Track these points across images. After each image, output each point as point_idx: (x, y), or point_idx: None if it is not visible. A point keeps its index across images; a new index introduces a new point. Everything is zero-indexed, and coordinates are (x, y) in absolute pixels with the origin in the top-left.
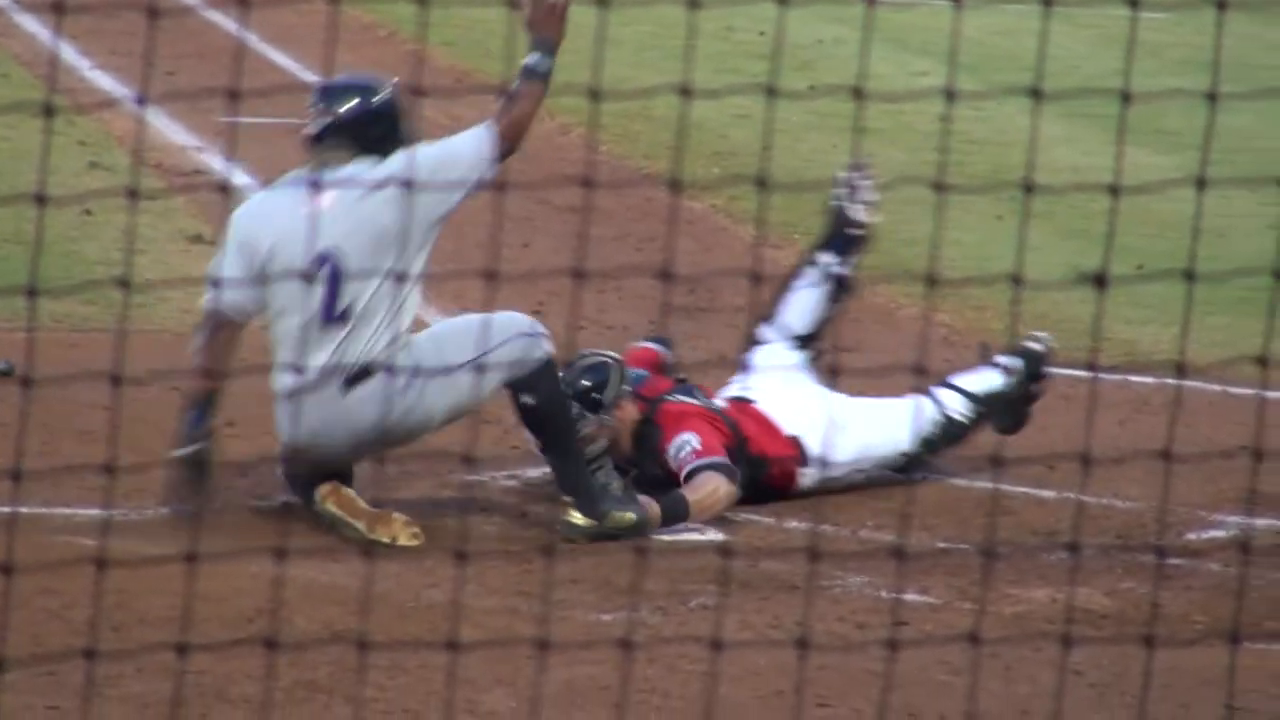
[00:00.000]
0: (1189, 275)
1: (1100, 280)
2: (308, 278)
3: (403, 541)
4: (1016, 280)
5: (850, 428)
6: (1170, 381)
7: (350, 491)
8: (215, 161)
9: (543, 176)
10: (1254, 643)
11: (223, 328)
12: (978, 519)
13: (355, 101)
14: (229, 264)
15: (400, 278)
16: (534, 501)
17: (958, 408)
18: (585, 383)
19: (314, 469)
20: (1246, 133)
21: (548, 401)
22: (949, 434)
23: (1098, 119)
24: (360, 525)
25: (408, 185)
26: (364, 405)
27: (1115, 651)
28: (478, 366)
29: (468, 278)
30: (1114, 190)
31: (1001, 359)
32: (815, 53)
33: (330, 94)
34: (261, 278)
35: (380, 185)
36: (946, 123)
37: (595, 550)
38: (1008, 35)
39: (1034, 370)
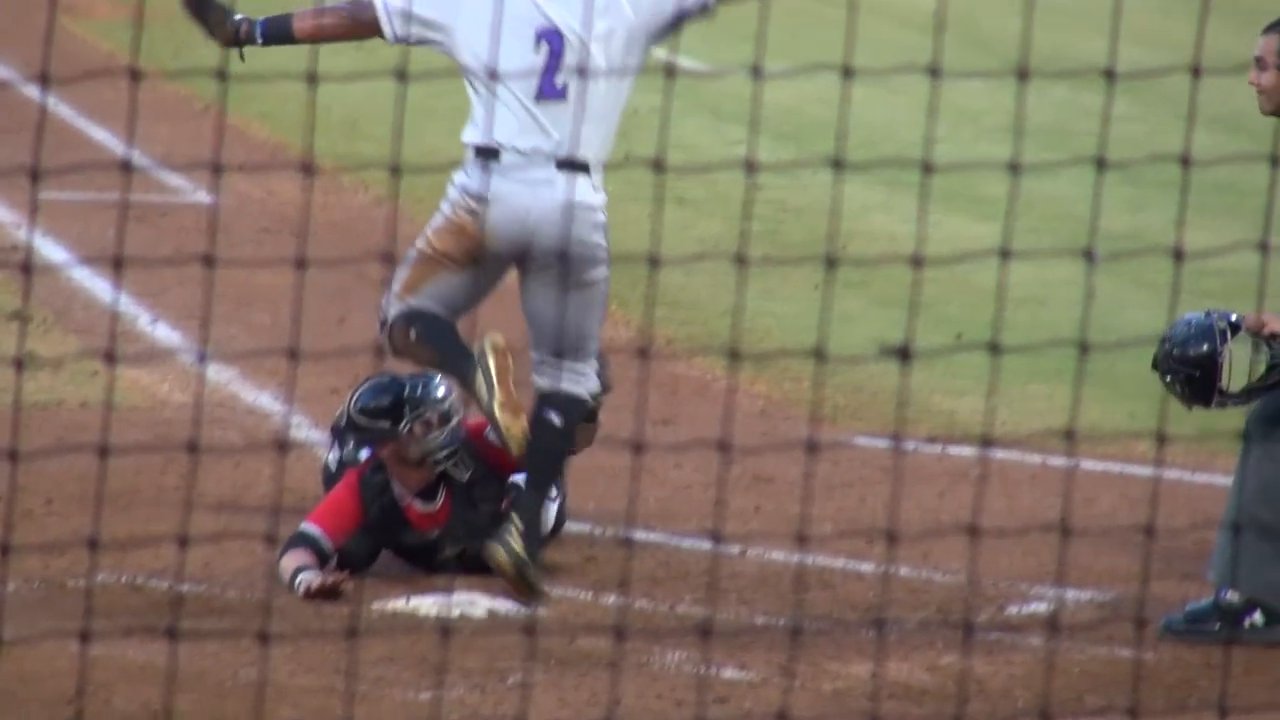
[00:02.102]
0: (994, 347)
1: (904, 353)
2: (528, 47)
3: (509, 439)
4: (819, 355)
5: None
6: (989, 454)
7: (511, 364)
8: (35, 238)
9: (357, 250)
10: (1076, 719)
11: (364, 22)
12: (796, 594)
13: None
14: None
15: (611, 76)
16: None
17: None
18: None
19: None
20: (1066, 200)
21: (564, 431)
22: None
23: (915, 186)
24: (497, 397)
25: None
26: (574, 189)
27: None
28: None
29: (277, 355)
30: (917, 261)
31: None
32: (631, 123)
33: None
34: (446, 29)
35: None
36: (752, 191)
37: (411, 628)
38: (824, 104)
39: None
